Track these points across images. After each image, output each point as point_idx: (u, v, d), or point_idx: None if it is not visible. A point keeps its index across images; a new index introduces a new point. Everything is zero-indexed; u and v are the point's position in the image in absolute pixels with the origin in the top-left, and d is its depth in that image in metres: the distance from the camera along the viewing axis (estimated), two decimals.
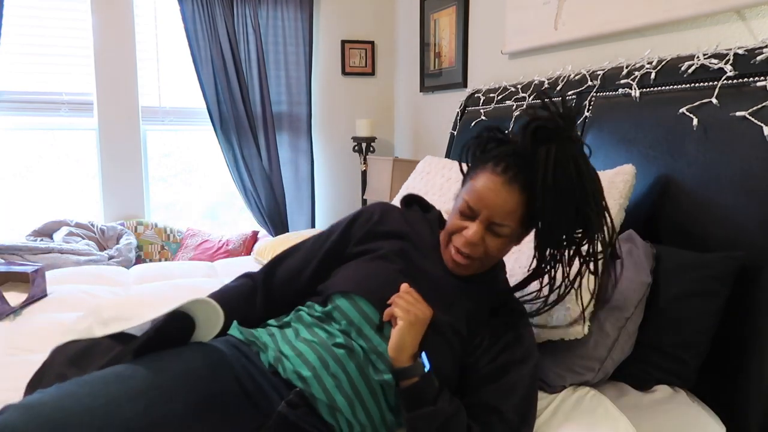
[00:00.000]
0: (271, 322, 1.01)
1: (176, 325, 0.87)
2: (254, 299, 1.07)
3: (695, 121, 1.22)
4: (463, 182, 0.96)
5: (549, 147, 0.83)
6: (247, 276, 1.11)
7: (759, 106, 1.09)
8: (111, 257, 2.47)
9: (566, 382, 1.09)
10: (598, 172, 1.30)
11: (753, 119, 1.10)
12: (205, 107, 2.89)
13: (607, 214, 0.89)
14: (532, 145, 0.85)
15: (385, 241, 1.02)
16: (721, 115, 1.17)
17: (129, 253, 2.57)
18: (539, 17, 1.95)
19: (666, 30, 1.51)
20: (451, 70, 2.64)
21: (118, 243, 2.66)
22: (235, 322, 0.99)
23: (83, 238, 2.61)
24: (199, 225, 3.17)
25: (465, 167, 1.00)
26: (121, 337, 0.90)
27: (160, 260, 2.82)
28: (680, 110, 1.25)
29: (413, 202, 1.15)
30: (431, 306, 0.91)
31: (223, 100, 2.91)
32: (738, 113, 1.13)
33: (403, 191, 2.10)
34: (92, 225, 2.72)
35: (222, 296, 1.05)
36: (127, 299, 1.52)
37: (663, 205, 1.28)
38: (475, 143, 0.95)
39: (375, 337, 0.90)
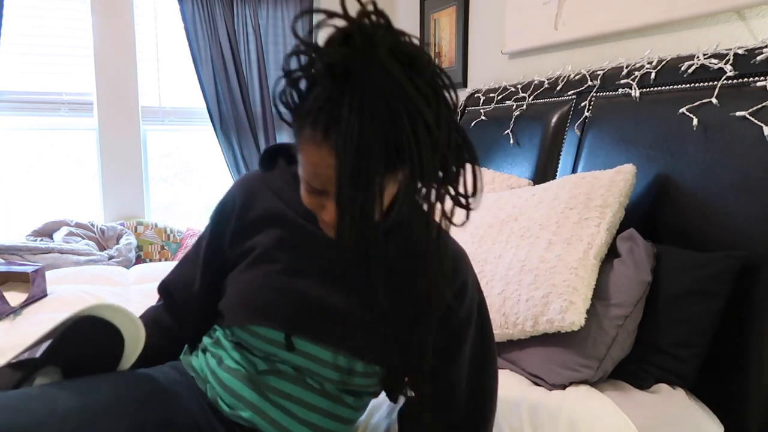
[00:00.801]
0: (201, 345, 0.91)
1: (101, 339, 0.76)
2: (164, 323, 0.93)
3: (695, 121, 1.22)
4: (294, 137, 0.70)
5: (352, 96, 0.59)
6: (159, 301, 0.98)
7: (759, 106, 1.09)
8: (111, 257, 2.47)
9: (565, 380, 1.09)
10: (598, 172, 1.31)
11: (753, 119, 1.10)
12: (205, 107, 2.89)
13: (460, 142, 0.65)
14: (337, 89, 0.61)
15: (259, 235, 0.83)
16: (721, 115, 1.17)
17: (129, 253, 2.57)
18: (539, 17, 1.95)
19: (666, 30, 1.51)
20: (451, 70, 2.64)
21: (118, 243, 2.66)
22: (186, 347, 0.92)
23: (83, 238, 2.61)
24: (199, 225, 3.17)
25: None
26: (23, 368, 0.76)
27: (160, 260, 2.82)
28: (680, 110, 1.25)
29: (276, 155, 0.90)
30: (332, 294, 0.78)
31: (223, 100, 2.91)
32: (738, 113, 1.13)
33: None
34: (92, 225, 2.72)
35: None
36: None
37: (663, 205, 1.28)
38: (288, 83, 0.66)
39: (290, 356, 0.79)
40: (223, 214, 0.87)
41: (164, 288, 0.95)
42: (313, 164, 0.66)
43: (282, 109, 0.68)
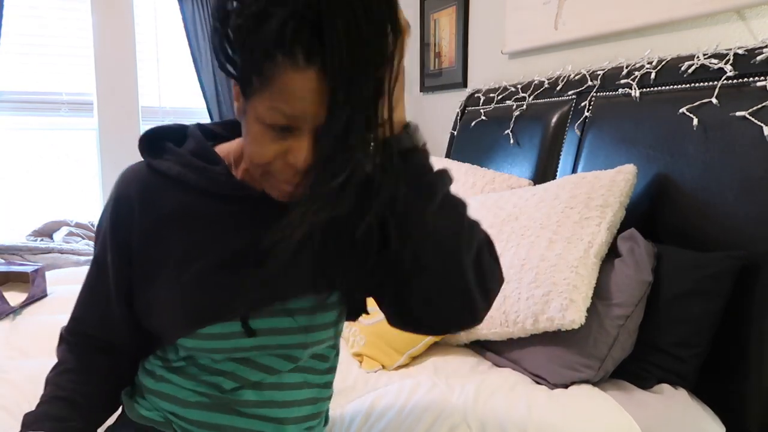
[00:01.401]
0: (139, 388, 0.80)
1: None
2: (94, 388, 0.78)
3: (695, 121, 1.22)
4: (243, 87, 0.63)
5: (331, 6, 0.54)
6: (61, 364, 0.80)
7: (759, 106, 1.09)
8: None
9: (567, 380, 1.09)
10: (599, 172, 1.31)
11: (753, 119, 1.10)
12: (205, 107, 2.89)
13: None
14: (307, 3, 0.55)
15: (173, 233, 0.72)
16: (721, 115, 1.17)
17: None
18: (539, 17, 1.95)
19: (666, 30, 1.51)
20: (451, 70, 2.64)
21: None
22: (125, 397, 0.81)
23: (83, 238, 2.61)
24: None
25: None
26: None
27: None
28: (680, 110, 1.25)
29: (159, 140, 0.77)
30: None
31: (223, 100, 2.91)
32: (738, 113, 1.13)
33: None
34: (92, 225, 2.72)
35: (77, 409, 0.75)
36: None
37: (662, 205, 1.28)
38: (232, 23, 0.62)
39: (252, 342, 0.72)
40: (120, 219, 0.73)
41: (77, 331, 0.80)
42: (296, 89, 0.57)
43: (225, 58, 0.62)
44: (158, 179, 0.73)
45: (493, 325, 1.21)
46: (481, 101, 2.14)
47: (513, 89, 1.96)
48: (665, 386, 1.10)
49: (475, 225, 0.68)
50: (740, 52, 1.16)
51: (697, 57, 1.25)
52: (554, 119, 1.70)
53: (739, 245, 1.10)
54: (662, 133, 1.31)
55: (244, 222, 0.72)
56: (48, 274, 1.74)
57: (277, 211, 0.64)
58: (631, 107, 1.42)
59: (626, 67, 1.48)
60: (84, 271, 1.89)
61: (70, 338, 0.80)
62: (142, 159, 0.75)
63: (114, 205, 0.74)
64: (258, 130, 0.62)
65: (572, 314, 1.08)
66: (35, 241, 2.49)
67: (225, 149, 0.76)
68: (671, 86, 1.33)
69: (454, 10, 2.56)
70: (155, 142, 0.76)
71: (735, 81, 1.16)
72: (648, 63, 1.41)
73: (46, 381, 0.78)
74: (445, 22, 2.66)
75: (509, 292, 1.19)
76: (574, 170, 1.59)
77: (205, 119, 2.91)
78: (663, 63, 1.36)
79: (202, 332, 0.71)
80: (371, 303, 0.80)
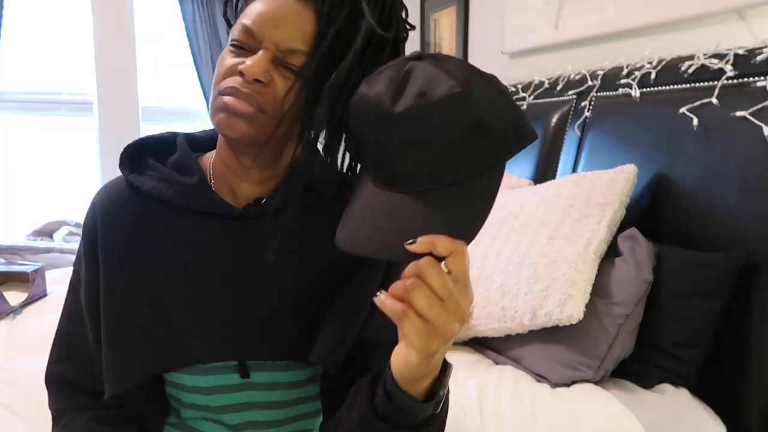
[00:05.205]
0: None
1: None
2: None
3: (695, 121, 1.22)
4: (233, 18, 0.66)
5: None
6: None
7: (759, 106, 1.09)
8: None
9: (568, 379, 1.10)
10: (599, 171, 1.31)
11: (753, 119, 1.10)
12: (206, 107, 2.89)
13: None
14: None
15: (140, 253, 0.66)
16: (721, 115, 1.17)
17: None
18: (539, 17, 1.95)
19: (666, 30, 1.51)
20: None
21: None
22: None
23: None
24: None
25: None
26: None
27: None
28: (680, 110, 1.25)
29: (144, 152, 0.74)
30: (283, 288, 0.66)
31: None
32: (738, 113, 1.13)
33: None
34: None
35: None
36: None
37: (663, 205, 1.28)
38: None
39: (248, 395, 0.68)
40: (87, 240, 0.68)
41: (65, 385, 0.70)
42: (267, 4, 0.60)
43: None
44: (133, 195, 0.69)
45: (491, 320, 1.21)
46: None
47: (513, 89, 1.96)
48: (666, 386, 1.10)
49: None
50: (740, 52, 1.16)
51: (697, 57, 1.25)
52: (554, 119, 1.70)
53: (739, 245, 1.10)
54: (662, 133, 1.31)
55: (221, 241, 0.66)
56: (48, 274, 1.74)
57: (256, 230, 0.64)
58: (631, 107, 1.42)
59: (626, 67, 1.48)
60: None
61: (57, 394, 0.71)
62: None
63: (83, 228, 0.70)
64: (226, 54, 0.63)
65: (570, 309, 1.08)
66: (35, 241, 2.49)
67: (207, 159, 0.73)
68: (671, 86, 1.33)
69: (454, 10, 2.56)
70: (140, 154, 0.73)
71: (735, 81, 1.16)
72: (648, 63, 1.41)
73: None
74: (445, 22, 2.66)
75: (508, 288, 1.19)
76: (574, 170, 1.59)
77: (205, 119, 2.91)
78: (663, 63, 1.36)
79: (181, 376, 0.65)
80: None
